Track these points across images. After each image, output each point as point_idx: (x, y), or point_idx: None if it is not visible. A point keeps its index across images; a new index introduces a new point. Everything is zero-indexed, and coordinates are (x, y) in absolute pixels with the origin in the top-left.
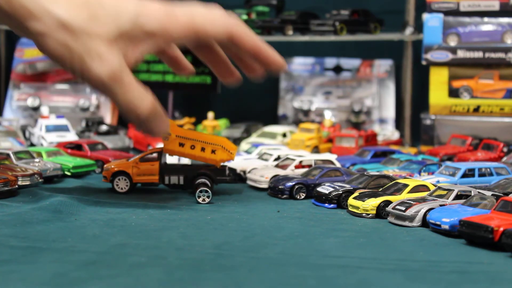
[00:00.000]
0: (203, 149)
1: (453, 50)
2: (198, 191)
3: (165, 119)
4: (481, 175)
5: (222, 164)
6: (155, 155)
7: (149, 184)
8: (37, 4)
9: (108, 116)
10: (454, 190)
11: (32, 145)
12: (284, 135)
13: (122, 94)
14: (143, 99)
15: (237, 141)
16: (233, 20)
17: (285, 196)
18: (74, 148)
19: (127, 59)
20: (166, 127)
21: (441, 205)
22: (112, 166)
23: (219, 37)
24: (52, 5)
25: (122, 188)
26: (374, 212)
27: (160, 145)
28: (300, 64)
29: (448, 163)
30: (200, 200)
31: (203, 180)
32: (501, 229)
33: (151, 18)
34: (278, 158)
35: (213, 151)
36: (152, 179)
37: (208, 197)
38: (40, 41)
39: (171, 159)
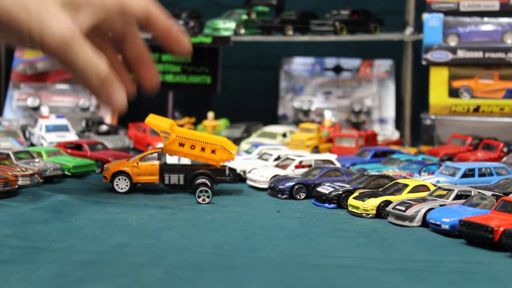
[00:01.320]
0: (203, 149)
1: (453, 50)
2: (198, 191)
3: (121, 89)
4: (481, 175)
5: (222, 164)
6: (155, 155)
7: (149, 184)
8: None
9: (108, 116)
10: (454, 190)
11: (32, 145)
12: (284, 135)
13: (82, 53)
14: (101, 58)
15: (237, 141)
16: (151, 2)
17: (285, 196)
18: (74, 148)
19: (76, 25)
20: (123, 96)
21: (441, 205)
22: (111, 167)
23: (140, 14)
24: None
25: (122, 188)
26: (374, 212)
27: (160, 145)
28: (300, 64)
29: (448, 163)
30: (200, 200)
31: (203, 180)
32: (501, 229)
33: None
34: (278, 158)
35: (213, 151)
36: (152, 179)
37: (208, 197)
38: None
39: (171, 159)
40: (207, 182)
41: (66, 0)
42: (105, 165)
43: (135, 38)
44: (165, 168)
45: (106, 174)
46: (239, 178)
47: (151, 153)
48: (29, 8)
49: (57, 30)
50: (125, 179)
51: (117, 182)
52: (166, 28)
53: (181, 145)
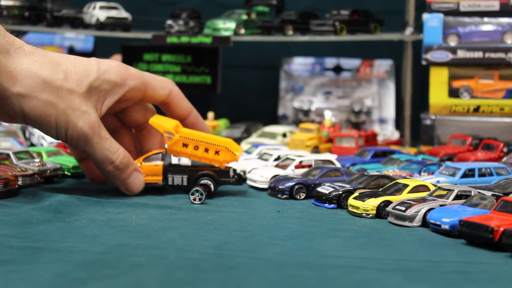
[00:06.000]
0: (206, 150)
1: (453, 50)
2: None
3: (140, 173)
4: (481, 175)
5: (226, 165)
6: (159, 155)
7: (153, 185)
8: (20, 67)
9: None
10: (454, 190)
11: (32, 145)
12: (284, 135)
13: (101, 145)
14: (117, 148)
15: (237, 141)
16: (175, 85)
17: (285, 196)
18: None
19: (97, 110)
20: (141, 181)
21: (441, 205)
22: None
23: (162, 93)
24: (36, 68)
25: None
26: (374, 212)
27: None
28: (300, 64)
29: (448, 163)
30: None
31: (206, 181)
32: (501, 229)
33: (113, 71)
34: (278, 158)
35: (216, 152)
36: (156, 180)
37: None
38: (22, 103)
39: (175, 160)
40: (210, 183)
41: (92, 87)
42: None
43: (153, 130)
44: (168, 169)
45: None
46: (239, 177)
47: (155, 154)
48: (57, 107)
49: (79, 126)
50: None
51: None
52: (186, 112)
53: (185, 145)
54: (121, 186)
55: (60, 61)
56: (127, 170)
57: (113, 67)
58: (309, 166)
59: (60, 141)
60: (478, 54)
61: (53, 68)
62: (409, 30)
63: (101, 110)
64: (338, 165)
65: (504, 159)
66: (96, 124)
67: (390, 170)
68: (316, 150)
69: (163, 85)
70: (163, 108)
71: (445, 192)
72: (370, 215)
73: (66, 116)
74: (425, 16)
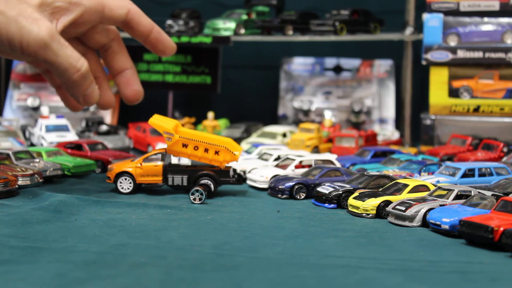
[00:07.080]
0: (206, 150)
1: (453, 50)
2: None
3: (95, 86)
4: (481, 175)
5: (226, 165)
6: (159, 155)
7: (152, 185)
8: None
9: (108, 116)
10: (454, 190)
11: (32, 145)
12: (284, 135)
13: (62, 50)
14: (79, 56)
15: (237, 141)
16: (132, 3)
17: (285, 196)
18: (74, 148)
19: (53, 24)
20: (97, 91)
21: (441, 205)
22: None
23: (120, 13)
24: None
25: (125, 189)
26: (374, 212)
27: (161, 145)
28: (300, 64)
29: (448, 163)
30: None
31: (206, 181)
32: (501, 229)
33: None
34: (278, 158)
35: (216, 152)
36: (156, 180)
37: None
38: None
39: (176, 160)
40: (210, 183)
41: (42, 2)
42: (109, 166)
43: (118, 48)
44: (168, 169)
45: (110, 175)
46: (239, 177)
47: (155, 154)
48: (6, 14)
49: (35, 32)
50: (128, 180)
51: (120, 182)
52: (148, 28)
53: (185, 146)
54: (80, 97)
55: None
56: (89, 79)
57: None
58: (309, 166)
59: (21, 60)
60: (478, 54)
61: None
62: (409, 30)
63: (56, 27)
64: (338, 165)
65: (504, 159)
66: (54, 30)
67: (390, 170)
68: (316, 150)
69: (121, 4)
70: (125, 29)
71: (445, 192)
72: (370, 215)
73: (18, 23)
74: (425, 16)
